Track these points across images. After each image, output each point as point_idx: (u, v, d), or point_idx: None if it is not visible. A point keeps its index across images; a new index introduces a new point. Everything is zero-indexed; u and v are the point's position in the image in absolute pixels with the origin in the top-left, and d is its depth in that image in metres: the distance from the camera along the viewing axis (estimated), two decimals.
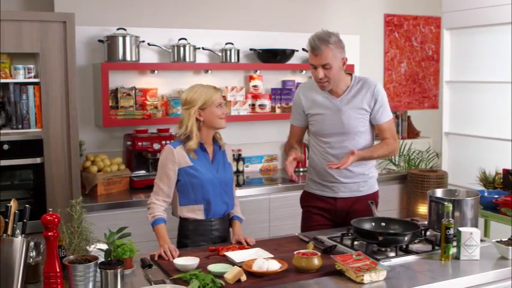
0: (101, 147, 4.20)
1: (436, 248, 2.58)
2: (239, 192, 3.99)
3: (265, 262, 2.27)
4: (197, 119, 2.73)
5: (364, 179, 3.03)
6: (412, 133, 5.32)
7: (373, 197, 3.06)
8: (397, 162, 4.88)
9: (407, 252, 2.55)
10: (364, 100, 2.94)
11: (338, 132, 2.94)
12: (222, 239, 2.83)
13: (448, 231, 2.47)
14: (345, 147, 2.93)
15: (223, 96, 4.40)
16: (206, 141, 2.80)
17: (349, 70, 4.81)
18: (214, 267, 2.30)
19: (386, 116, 2.99)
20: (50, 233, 2.02)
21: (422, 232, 2.71)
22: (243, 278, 2.20)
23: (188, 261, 2.36)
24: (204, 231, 2.78)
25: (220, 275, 2.22)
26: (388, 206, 4.51)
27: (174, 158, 2.72)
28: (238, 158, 4.59)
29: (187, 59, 4.28)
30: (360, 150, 2.88)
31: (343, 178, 2.98)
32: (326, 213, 3.04)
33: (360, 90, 2.95)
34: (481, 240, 2.57)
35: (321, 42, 2.78)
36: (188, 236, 2.78)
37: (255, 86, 4.62)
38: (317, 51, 2.79)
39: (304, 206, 3.17)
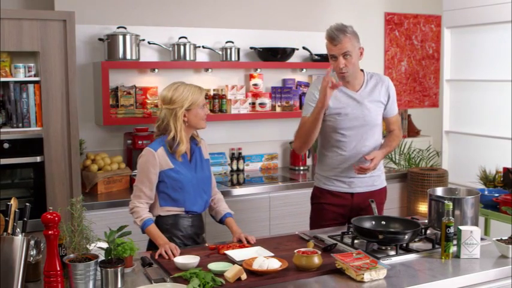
0: (101, 146, 4.20)
1: (436, 246, 2.59)
2: (240, 191, 3.99)
3: (265, 260, 2.27)
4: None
5: (378, 173, 3.10)
6: (413, 132, 5.32)
7: (384, 192, 3.16)
8: (397, 161, 4.88)
9: (407, 250, 2.55)
10: (381, 94, 3.06)
11: (358, 125, 2.99)
12: (197, 235, 2.85)
13: (448, 230, 2.47)
14: (364, 140, 3.00)
15: (223, 95, 4.44)
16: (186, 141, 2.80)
17: None
18: (214, 266, 2.30)
19: (395, 109, 3.15)
20: (50, 232, 2.02)
21: (423, 231, 2.71)
22: (243, 276, 2.20)
23: (188, 260, 2.36)
24: (182, 226, 2.78)
25: (220, 274, 2.22)
26: (389, 205, 4.47)
27: (155, 162, 2.70)
28: (239, 157, 4.59)
29: (187, 58, 4.28)
30: (380, 150, 2.98)
31: (361, 174, 2.99)
32: (341, 209, 3.06)
33: (376, 84, 3.06)
34: (481, 239, 2.57)
35: (339, 32, 2.87)
36: (167, 230, 2.75)
37: (255, 85, 4.62)
38: (336, 41, 2.87)
39: (316, 203, 3.16)
